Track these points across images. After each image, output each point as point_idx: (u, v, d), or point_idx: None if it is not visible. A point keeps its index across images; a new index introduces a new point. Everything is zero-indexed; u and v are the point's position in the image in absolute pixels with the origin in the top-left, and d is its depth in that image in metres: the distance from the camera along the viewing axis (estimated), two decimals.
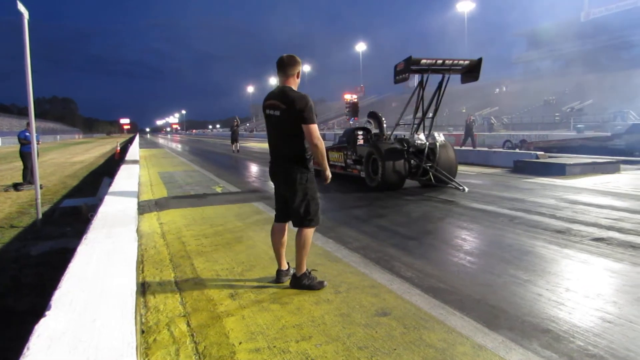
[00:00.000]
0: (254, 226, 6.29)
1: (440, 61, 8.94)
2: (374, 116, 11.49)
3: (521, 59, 75.34)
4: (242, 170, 16.06)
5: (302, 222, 3.79)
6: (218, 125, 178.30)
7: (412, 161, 9.73)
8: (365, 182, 10.04)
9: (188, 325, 3.22)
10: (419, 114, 10.05)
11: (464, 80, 9.53)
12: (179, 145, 41.45)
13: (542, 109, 47.78)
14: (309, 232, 3.82)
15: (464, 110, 55.62)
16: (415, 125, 10.12)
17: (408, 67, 8.93)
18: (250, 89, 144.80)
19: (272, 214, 7.17)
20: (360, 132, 11.71)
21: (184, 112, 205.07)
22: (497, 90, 61.84)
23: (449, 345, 2.82)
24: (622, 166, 12.12)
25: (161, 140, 61.77)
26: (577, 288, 3.84)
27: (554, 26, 63.87)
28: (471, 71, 9.28)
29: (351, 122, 26.04)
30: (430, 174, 9.68)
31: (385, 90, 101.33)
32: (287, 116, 3.66)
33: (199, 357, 2.79)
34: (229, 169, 16.15)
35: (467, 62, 9.16)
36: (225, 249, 5.17)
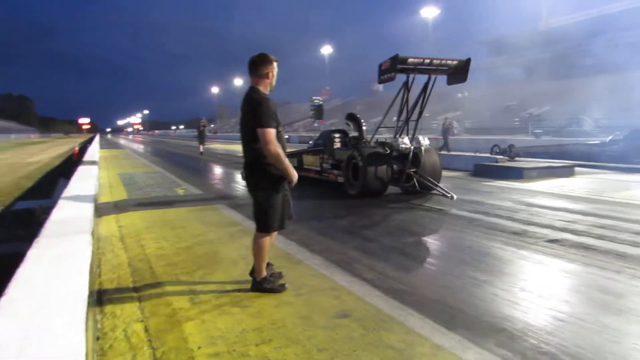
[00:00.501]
0: (216, 229, 6.22)
1: (427, 60, 8.54)
2: (352, 118, 11.01)
3: (483, 66, 77.01)
4: (206, 172, 15.90)
5: (257, 227, 3.77)
6: (182, 126, 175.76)
7: (394, 166, 9.23)
8: (344, 188, 9.47)
9: (146, 330, 3.16)
10: (403, 117, 9.60)
11: (451, 81, 9.20)
12: (141, 146, 40.70)
13: (503, 114, 48.90)
14: (263, 238, 3.75)
15: (427, 115, 56.40)
16: (399, 129, 9.67)
17: (394, 66, 8.51)
18: (215, 89, 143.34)
19: (235, 216, 7.25)
20: (337, 135, 11.17)
21: (146, 112, 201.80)
22: (460, 95, 62.94)
23: (407, 346, 2.86)
24: (576, 169, 12.52)
25: (122, 141, 60.46)
26: (532, 288, 3.94)
27: (514, 34, 65.57)
28: (458, 72, 8.92)
29: (316, 125, 26.13)
30: (415, 180, 9.19)
31: (351, 93, 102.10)
32: (245, 120, 3.65)
33: None
34: (192, 171, 15.94)
35: (454, 62, 8.76)
36: (186, 252, 5.09)
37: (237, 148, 30.90)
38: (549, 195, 8.97)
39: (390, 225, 6.69)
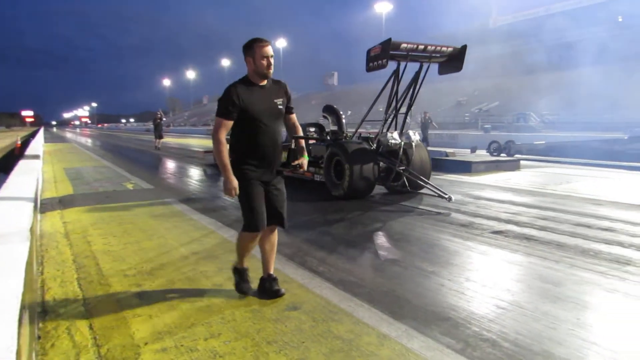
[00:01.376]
0: (166, 223, 6.12)
1: (422, 47, 7.85)
2: (330, 111, 10.18)
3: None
4: (157, 166, 15.57)
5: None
6: (132, 120, 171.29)
7: (380, 164, 8.47)
8: (327, 189, 8.53)
9: (91, 328, 3.09)
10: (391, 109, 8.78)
11: (443, 70, 8.52)
12: (89, 140, 39.46)
13: (455, 109, 50.14)
14: (242, 234, 3.50)
15: (380, 109, 57.08)
16: (386, 122, 8.80)
17: (387, 51, 7.75)
18: (166, 82, 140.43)
19: (187, 211, 7.13)
20: (312, 130, 10.29)
21: (94, 104, 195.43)
22: None
23: (355, 336, 2.90)
24: (522, 163, 12.99)
25: (69, 134, 58.42)
26: (477, 278, 4.08)
27: (464, 31, 67.18)
28: (452, 60, 8.32)
29: None
30: (405, 178, 8.37)
31: (305, 87, 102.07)
32: None
33: None
34: (143, 165, 15.59)
35: (450, 49, 8.11)
36: (135, 248, 4.99)
37: (191, 142, 30.23)
38: (496, 189, 9.26)
39: (341, 218, 6.76)
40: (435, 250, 4.98)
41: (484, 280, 4.01)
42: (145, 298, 3.58)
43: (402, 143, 8.44)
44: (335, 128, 9.89)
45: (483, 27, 63.97)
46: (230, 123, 3.24)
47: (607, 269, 4.30)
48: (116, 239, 5.38)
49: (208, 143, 30.41)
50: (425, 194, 8.25)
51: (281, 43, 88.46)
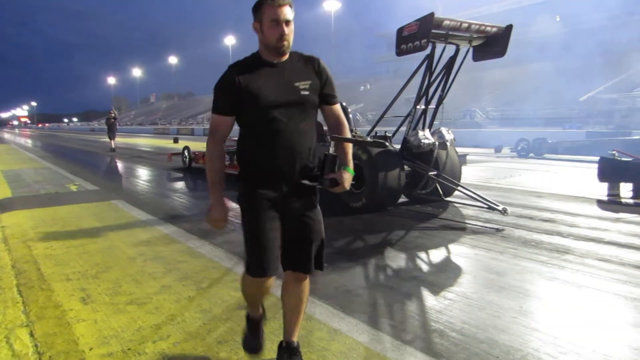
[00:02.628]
0: (111, 225, 5.94)
1: (465, 25, 6.56)
2: None
3: (383, 59, 79.54)
4: (102, 167, 15.11)
5: None
6: (75, 119, 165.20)
7: (405, 168, 7.11)
8: (344, 200, 6.94)
9: (31, 335, 2.96)
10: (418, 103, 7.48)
11: (481, 55, 7.25)
12: (29, 141, 37.81)
13: (403, 106, 50.97)
14: (243, 277, 2.43)
15: (343, 104, 57.35)
16: (414, 119, 7.48)
17: (427, 30, 6.39)
18: (112, 80, 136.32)
19: (133, 212, 6.95)
20: None
21: (34, 104, 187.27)
22: (362, 87, 64.79)
23: (307, 332, 2.91)
24: (468, 158, 13.38)
25: (7, 135, 55.75)
26: (424, 271, 4.17)
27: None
28: (493, 43, 6.98)
29: None
30: (437, 185, 7.29)
31: None
32: None
33: None
34: (87, 166, 15.08)
35: (494, 29, 6.82)
36: (79, 251, 4.82)
37: (139, 141, 29.38)
38: None
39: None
40: (386, 245, 5.06)
41: (432, 273, 4.10)
42: (90, 302, 3.46)
43: (436, 143, 7.17)
44: None
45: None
46: (230, 121, 2.25)
47: (548, 258, 4.49)
48: (59, 242, 5.18)
49: (157, 142, 29.78)
50: (457, 202, 7.17)
51: (230, 40, 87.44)
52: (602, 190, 7.90)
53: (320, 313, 3.21)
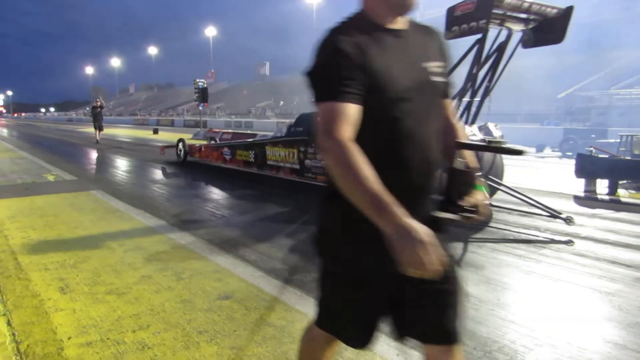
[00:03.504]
0: (90, 215, 5.86)
1: (526, 4, 5.71)
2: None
3: None
4: (80, 157, 14.89)
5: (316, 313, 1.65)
6: (52, 109, 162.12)
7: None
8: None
9: (9, 324, 2.92)
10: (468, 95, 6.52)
11: (535, 41, 6.28)
12: (5, 130, 37.06)
13: None
14: (311, 331, 1.73)
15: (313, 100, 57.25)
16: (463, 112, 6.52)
17: (487, 10, 5.56)
18: (90, 70, 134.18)
19: (112, 202, 6.88)
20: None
21: (10, 93, 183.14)
22: None
23: (287, 323, 2.92)
24: None
25: None
26: None
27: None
28: (549, 28, 6.10)
29: (200, 108, 25.31)
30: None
31: (238, 77, 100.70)
32: None
33: (21, 356, 2.55)
34: (64, 156, 14.81)
35: (554, 10, 5.94)
36: (57, 241, 4.76)
37: (118, 132, 29.04)
38: None
39: (271, 210, 6.76)
40: None
41: None
42: (68, 292, 3.43)
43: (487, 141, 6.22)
44: None
45: (412, 18, 65.42)
46: (355, 111, 1.34)
47: (525, 252, 4.57)
48: (37, 232, 5.10)
49: (137, 133, 29.42)
50: (552, 215, 5.73)
51: (211, 31, 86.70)
52: (579, 186, 8.06)
53: (301, 304, 3.22)
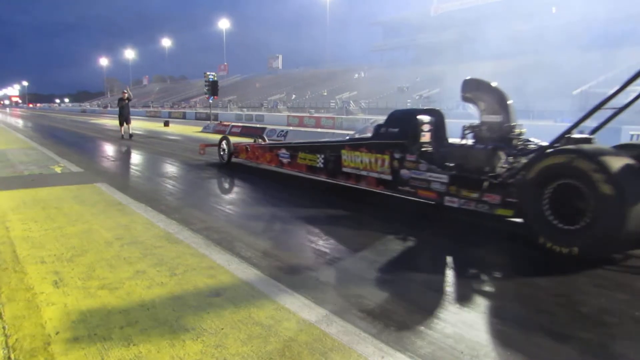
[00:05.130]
0: (92, 208, 5.90)
1: None
2: (478, 87, 5.85)
3: (378, 48, 79.24)
4: (89, 148, 15.00)
5: None
6: (67, 100, 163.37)
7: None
8: (529, 235, 4.66)
9: (0, 317, 2.95)
10: None
11: None
12: (20, 121, 37.49)
13: (397, 96, 50.81)
14: None
15: (325, 94, 57.24)
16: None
17: None
18: (104, 61, 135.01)
19: (115, 195, 6.91)
20: (426, 120, 6.24)
21: (25, 83, 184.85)
22: (357, 75, 64.57)
23: (275, 322, 2.91)
24: None
25: None
26: (403, 262, 4.18)
27: (407, 17, 68.20)
28: None
29: (210, 101, 25.36)
30: None
31: (249, 70, 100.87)
32: None
33: (8, 350, 2.57)
34: (73, 147, 14.94)
35: None
36: (56, 234, 4.78)
37: (131, 124, 29.19)
38: None
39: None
40: (358, 234, 5.07)
41: (408, 265, 4.12)
42: (62, 286, 3.45)
43: None
44: (492, 119, 5.65)
45: (424, 15, 64.92)
46: None
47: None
48: (37, 224, 5.14)
49: (148, 125, 29.56)
50: None
51: (224, 24, 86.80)
52: None
53: (292, 303, 3.19)
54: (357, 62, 74.60)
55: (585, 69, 35.05)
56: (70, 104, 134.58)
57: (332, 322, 2.93)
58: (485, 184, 5.08)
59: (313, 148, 7.90)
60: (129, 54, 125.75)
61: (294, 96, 61.98)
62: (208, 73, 23.18)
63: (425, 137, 6.15)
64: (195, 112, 48.43)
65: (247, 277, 3.68)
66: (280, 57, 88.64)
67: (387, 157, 6.29)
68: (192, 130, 24.78)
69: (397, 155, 6.17)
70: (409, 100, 46.20)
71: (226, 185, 8.49)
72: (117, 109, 18.75)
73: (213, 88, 23.07)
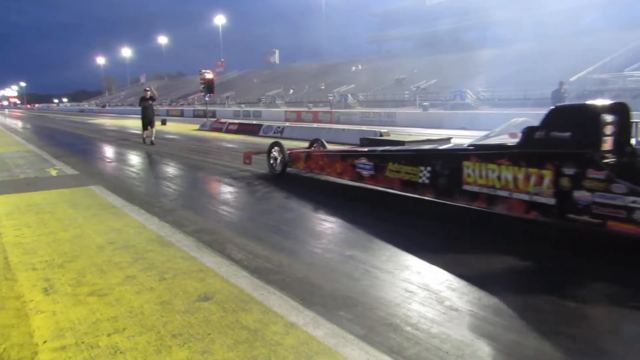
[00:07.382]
0: (85, 212, 5.90)
1: None
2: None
3: (375, 39, 78.98)
4: (85, 150, 14.96)
5: None
6: (65, 100, 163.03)
7: None
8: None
9: None
10: None
11: None
12: (19, 122, 37.50)
13: (394, 87, 50.70)
14: None
15: (322, 87, 57.09)
16: None
17: None
18: (101, 60, 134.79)
19: (110, 198, 6.89)
20: (610, 120, 4.52)
21: (23, 84, 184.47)
22: (354, 68, 64.35)
23: (262, 326, 2.92)
24: None
25: None
26: (393, 261, 4.19)
27: (402, 8, 67.88)
28: None
29: (207, 99, 25.26)
30: None
31: (246, 65, 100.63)
32: None
33: None
34: (70, 149, 14.91)
35: None
36: (48, 239, 4.79)
37: (128, 123, 29.14)
38: None
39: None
40: (356, 234, 5.07)
41: (399, 264, 4.12)
42: (51, 293, 3.46)
43: None
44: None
45: (420, 4, 64.62)
46: None
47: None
48: (30, 229, 5.15)
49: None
50: None
51: (220, 20, 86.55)
52: None
53: (279, 306, 3.21)
54: (355, 54, 74.35)
55: (584, 55, 34.89)
56: (68, 104, 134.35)
57: (320, 324, 2.94)
58: None
59: (412, 158, 6.08)
60: (126, 52, 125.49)
61: (291, 91, 61.85)
62: (203, 71, 23.08)
63: (607, 143, 4.48)
64: (193, 110, 48.36)
65: (237, 280, 3.68)
66: (277, 51, 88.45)
67: (548, 173, 4.50)
68: (189, 128, 24.73)
69: (568, 171, 4.36)
70: (406, 92, 46.14)
71: (219, 186, 8.46)
72: (141, 109, 15.89)
73: (209, 86, 22.99)
